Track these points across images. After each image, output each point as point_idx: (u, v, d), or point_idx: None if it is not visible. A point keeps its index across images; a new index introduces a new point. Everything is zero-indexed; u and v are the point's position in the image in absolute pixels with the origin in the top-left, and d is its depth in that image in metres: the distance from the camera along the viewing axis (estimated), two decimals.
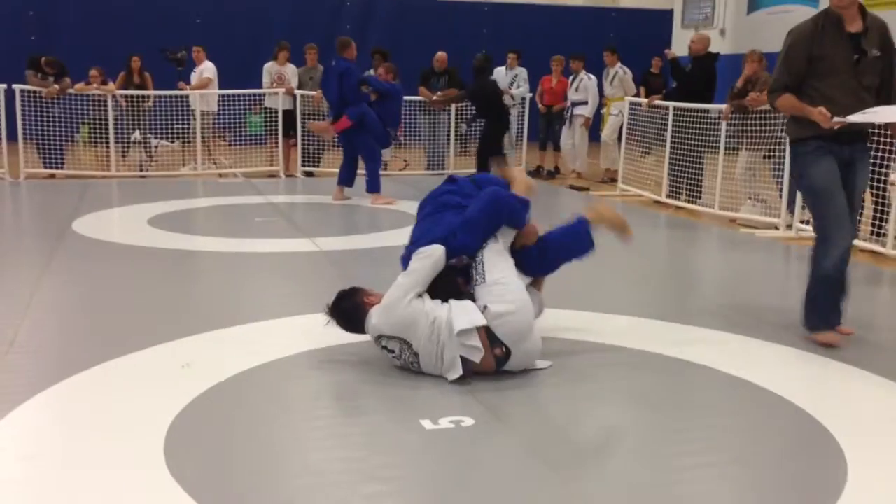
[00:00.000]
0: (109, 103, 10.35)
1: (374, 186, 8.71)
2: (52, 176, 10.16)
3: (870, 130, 4.18)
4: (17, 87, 9.93)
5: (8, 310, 4.50)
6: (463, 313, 3.42)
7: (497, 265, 3.65)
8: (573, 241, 4.02)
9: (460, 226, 3.71)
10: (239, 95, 11.06)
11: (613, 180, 10.30)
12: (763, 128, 7.61)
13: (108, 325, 4.32)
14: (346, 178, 8.85)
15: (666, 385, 3.61)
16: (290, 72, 10.99)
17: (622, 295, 5.23)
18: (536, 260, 3.98)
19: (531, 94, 11.52)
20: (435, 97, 10.78)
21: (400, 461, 2.84)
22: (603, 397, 3.45)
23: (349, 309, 3.66)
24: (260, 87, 11.05)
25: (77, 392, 3.35)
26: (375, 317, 3.54)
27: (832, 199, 3.94)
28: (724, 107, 8.06)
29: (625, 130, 9.95)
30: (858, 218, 4.27)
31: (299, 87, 10.88)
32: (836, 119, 3.80)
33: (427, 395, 3.36)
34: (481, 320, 3.40)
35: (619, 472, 2.79)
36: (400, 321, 3.46)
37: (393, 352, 3.52)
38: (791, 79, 3.99)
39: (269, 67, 11.03)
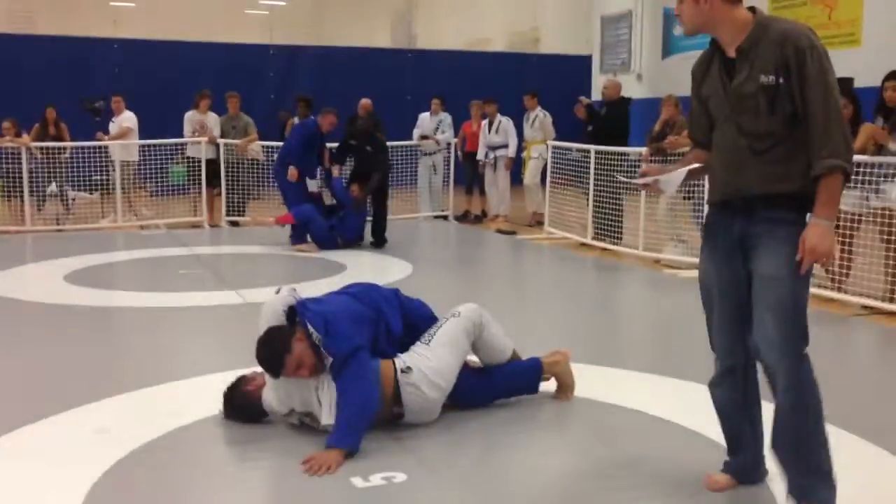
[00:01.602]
0: (24, 156, 10.04)
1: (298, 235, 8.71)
2: None
3: (785, 191, 2.59)
4: None
5: None
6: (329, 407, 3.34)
7: (449, 348, 3.58)
8: (522, 381, 3.84)
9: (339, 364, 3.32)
10: (160, 145, 10.86)
11: (540, 223, 10.43)
12: None
13: (20, 389, 4.12)
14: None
15: (596, 430, 3.61)
16: (213, 120, 10.86)
17: (549, 339, 5.23)
18: (475, 388, 3.73)
19: (455, 140, 11.63)
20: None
21: None
22: (533, 445, 3.43)
23: (241, 402, 3.55)
24: (181, 136, 10.88)
25: None
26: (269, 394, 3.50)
27: (707, 303, 2.82)
28: (643, 150, 8.25)
29: (549, 173, 10.09)
30: (767, 331, 2.62)
31: (222, 136, 10.75)
32: (640, 180, 2.86)
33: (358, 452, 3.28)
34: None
35: None
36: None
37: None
38: (693, 130, 2.92)
39: (191, 116, 10.88)
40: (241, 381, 3.61)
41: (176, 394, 4.00)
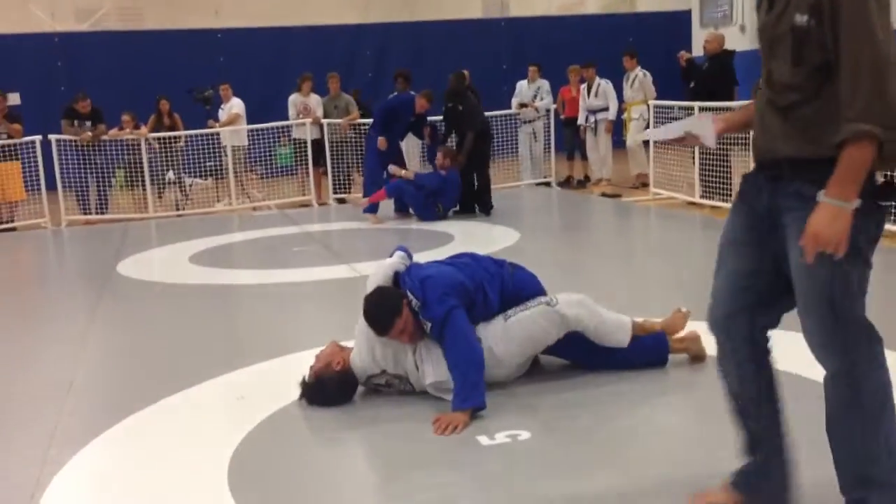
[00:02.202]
0: (143, 147, 10.56)
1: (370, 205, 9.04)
2: (89, 222, 10.37)
3: (815, 156, 2.08)
4: (52, 136, 10.17)
5: (63, 355, 4.61)
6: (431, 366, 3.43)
7: (521, 337, 3.54)
8: (650, 350, 3.75)
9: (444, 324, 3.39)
10: (267, 129, 11.22)
11: (645, 185, 10.29)
12: None
13: (160, 363, 4.40)
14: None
15: (713, 388, 3.58)
16: (315, 102, 11.14)
17: (660, 300, 5.20)
18: (593, 352, 3.68)
19: (554, 106, 11.56)
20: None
21: (457, 478, 2.87)
22: (660, 405, 3.45)
23: (334, 389, 3.56)
24: (286, 118, 11.20)
25: (138, 431, 3.42)
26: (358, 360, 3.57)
27: (718, 268, 2.43)
28: (748, 103, 8.02)
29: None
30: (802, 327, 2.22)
31: (325, 116, 11.02)
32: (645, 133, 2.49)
33: (480, 414, 3.38)
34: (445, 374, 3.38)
35: (684, 490, 2.74)
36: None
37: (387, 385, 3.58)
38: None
39: (294, 99, 11.19)
40: (325, 368, 3.57)
41: (304, 363, 4.19)
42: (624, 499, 2.65)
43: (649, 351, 3.74)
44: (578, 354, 3.69)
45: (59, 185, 10.18)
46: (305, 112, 11.04)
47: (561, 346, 3.63)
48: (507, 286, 3.70)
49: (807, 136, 2.08)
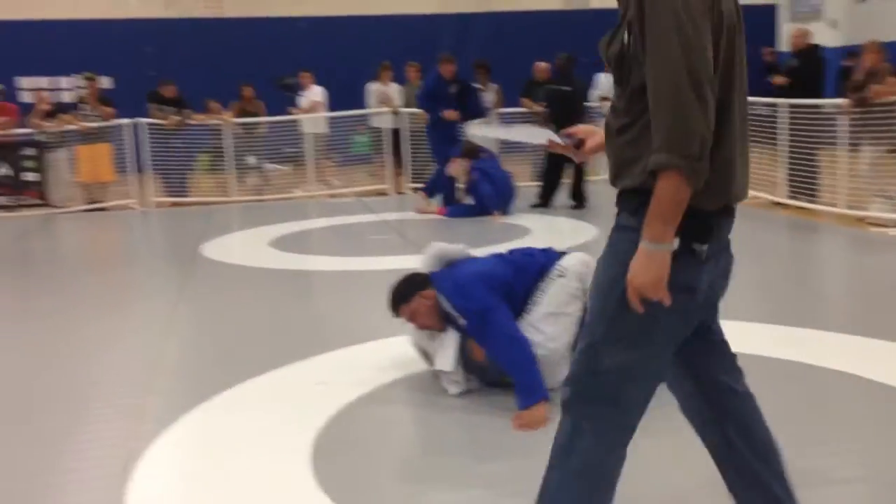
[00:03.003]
0: (226, 132, 10.79)
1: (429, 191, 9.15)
2: (175, 204, 10.66)
3: (628, 186, 1.86)
4: (142, 120, 10.48)
5: (150, 334, 4.76)
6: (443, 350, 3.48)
7: (552, 318, 3.45)
8: None
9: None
10: (347, 117, 11.35)
11: None
12: (887, 121, 7.30)
13: (242, 345, 4.50)
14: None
15: (805, 394, 3.51)
16: (395, 90, 11.21)
17: (748, 301, 5.09)
18: None
19: None
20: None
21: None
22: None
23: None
24: (364, 107, 11.30)
25: (222, 412, 3.51)
26: None
27: None
28: (842, 101, 7.77)
29: None
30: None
31: (405, 106, 11.08)
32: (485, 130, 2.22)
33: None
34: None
35: None
36: None
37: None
38: None
39: (374, 87, 11.27)
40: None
41: (383, 351, 4.24)
42: None
43: None
44: None
45: (147, 167, 10.48)
46: (385, 101, 11.11)
47: None
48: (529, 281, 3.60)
49: (630, 163, 1.82)
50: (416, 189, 11.10)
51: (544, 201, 9.17)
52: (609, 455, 1.93)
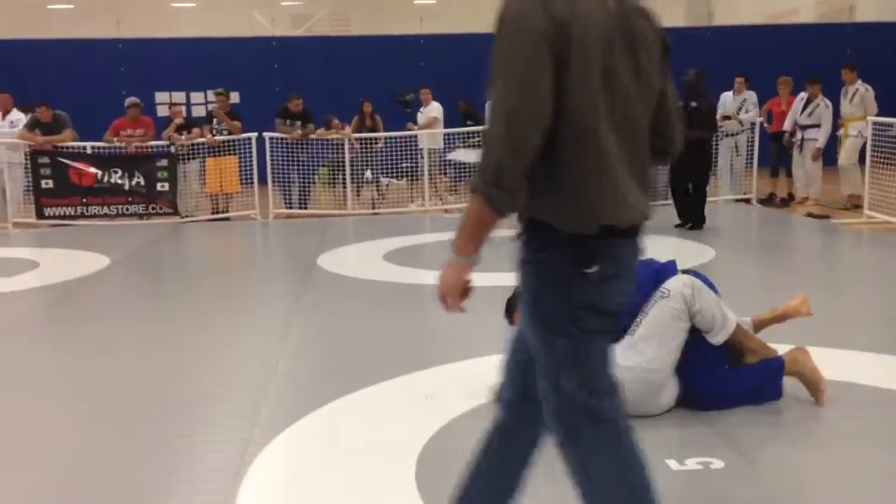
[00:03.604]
0: (346, 146, 11.07)
1: None
2: (291, 216, 10.99)
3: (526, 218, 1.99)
4: (266, 134, 10.88)
5: (266, 340, 4.91)
6: None
7: (655, 340, 3.36)
8: (761, 384, 3.52)
9: None
10: (463, 133, 11.44)
11: (857, 207, 9.59)
12: None
13: (354, 356, 4.59)
14: None
15: None
16: None
17: (875, 332, 4.84)
18: (704, 393, 3.49)
19: (760, 119, 11.03)
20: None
21: None
22: (864, 441, 3.20)
23: None
24: (483, 124, 11.35)
25: (332, 421, 3.58)
26: None
27: None
28: None
29: (869, 153, 9.24)
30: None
31: None
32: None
33: (671, 434, 3.28)
34: None
35: None
36: None
37: None
38: None
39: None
40: None
41: (486, 366, 4.22)
42: None
43: (761, 374, 3.50)
44: (695, 383, 3.48)
45: (270, 179, 10.87)
46: None
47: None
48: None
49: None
50: None
51: (685, 221, 8.94)
52: (621, 464, 1.98)
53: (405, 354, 4.50)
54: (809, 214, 9.71)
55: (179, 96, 14.43)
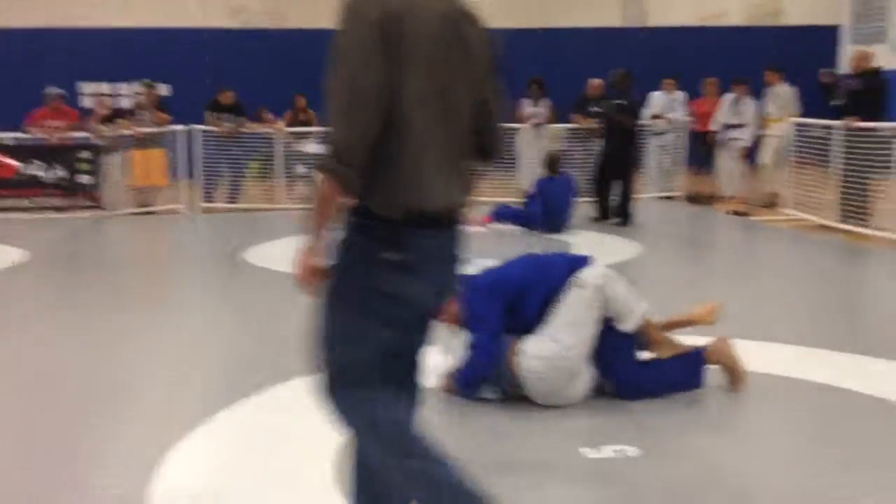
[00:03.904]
0: (277, 140, 10.94)
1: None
2: (222, 210, 10.82)
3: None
4: (196, 127, 10.68)
5: (189, 334, 4.83)
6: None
7: (570, 329, 3.44)
8: (679, 376, 3.62)
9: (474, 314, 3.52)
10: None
11: (776, 205, 9.87)
12: None
13: (277, 349, 4.53)
14: None
15: (839, 418, 3.42)
16: None
17: (792, 325, 4.99)
18: (630, 384, 3.58)
19: (688, 119, 11.27)
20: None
21: (561, 489, 2.83)
22: (778, 429, 3.30)
23: None
24: None
25: (254, 412, 3.53)
26: None
27: None
28: None
29: (788, 153, 9.51)
30: None
31: None
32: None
33: (586, 422, 3.33)
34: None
35: None
36: None
37: None
38: None
39: None
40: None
41: None
42: None
43: (683, 364, 3.60)
44: (610, 373, 3.58)
45: (198, 173, 10.67)
46: None
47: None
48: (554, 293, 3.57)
49: None
50: None
51: (603, 215, 9.13)
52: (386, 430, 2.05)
53: None
54: (732, 212, 9.96)
55: (106, 87, 14.07)
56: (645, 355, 3.64)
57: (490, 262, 3.87)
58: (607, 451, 3.05)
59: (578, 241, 8.01)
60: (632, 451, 3.05)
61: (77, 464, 3.06)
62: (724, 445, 3.17)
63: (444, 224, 2.02)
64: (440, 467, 2.01)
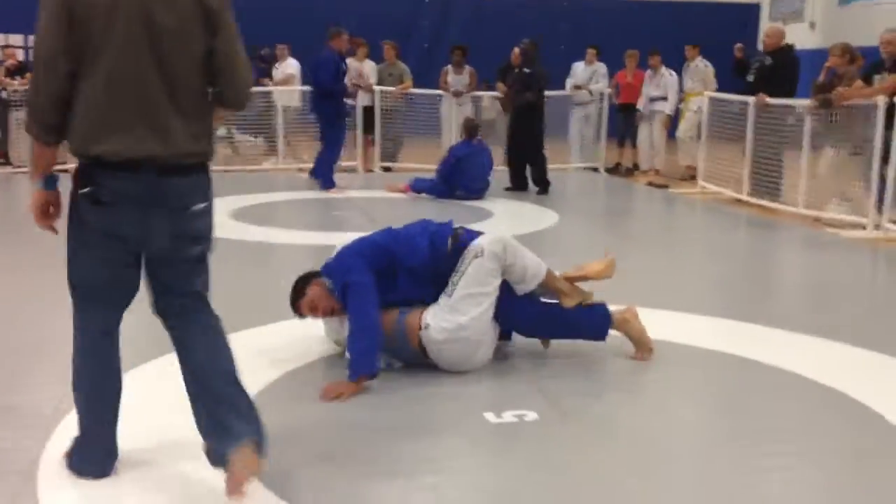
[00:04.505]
0: None
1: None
2: None
3: None
4: None
5: None
6: None
7: (473, 299, 3.45)
8: (587, 324, 3.69)
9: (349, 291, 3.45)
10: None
11: (693, 178, 10.12)
12: (850, 124, 7.37)
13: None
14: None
15: (736, 385, 3.56)
16: (370, 68, 11.14)
17: (700, 295, 5.14)
18: (533, 320, 3.68)
19: (609, 90, 11.41)
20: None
21: (464, 453, 2.88)
22: (672, 394, 3.41)
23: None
24: None
25: (153, 376, 3.48)
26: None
27: None
28: (807, 102, 7.83)
29: (704, 126, 9.75)
30: None
31: (378, 83, 11.02)
32: None
33: (489, 388, 3.38)
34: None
35: (691, 474, 2.75)
36: None
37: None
38: None
39: (350, 63, 11.18)
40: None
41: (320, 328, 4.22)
42: (625, 486, 2.63)
43: (592, 315, 3.68)
44: (514, 325, 3.69)
45: None
46: (359, 78, 11.04)
47: (504, 315, 3.59)
48: (439, 259, 3.58)
49: None
50: (385, 167, 11.08)
51: (516, 184, 9.24)
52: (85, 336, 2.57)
53: (242, 311, 4.40)
54: (650, 184, 10.18)
55: (16, 39, 13.47)
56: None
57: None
58: (509, 416, 3.10)
59: (496, 208, 8.08)
60: (531, 415, 3.11)
61: None
62: (624, 413, 3.26)
63: (144, 169, 2.31)
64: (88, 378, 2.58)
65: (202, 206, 2.44)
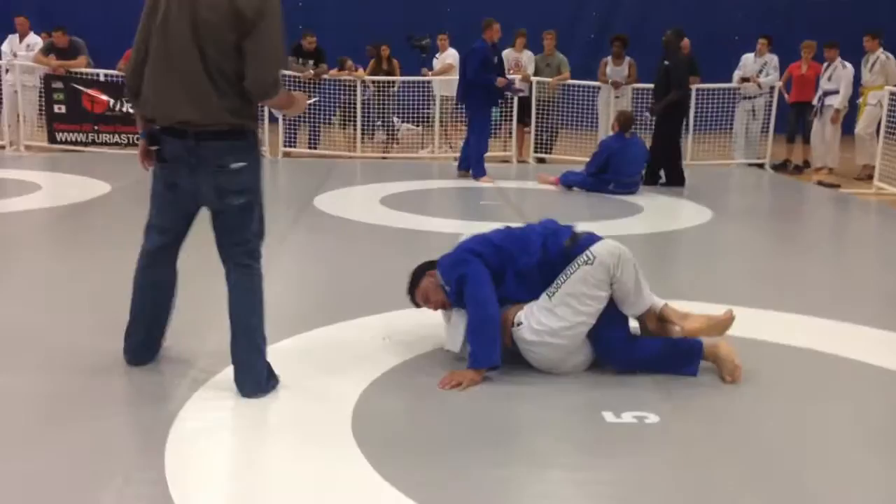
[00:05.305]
0: (359, 88, 11.01)
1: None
2: (302, 155, 10.99)
3: None
4: (283, 72, 10.81)
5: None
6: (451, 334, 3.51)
7: (571, 308, 3.29)
8: (675, 358, 3.42)
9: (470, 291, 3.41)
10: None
11: (870, 177, 9.42)
12: None
13: (329, 295, 4.63)
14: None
15: (878, 399, 3.28)
16: (527, 58, 11.08)
17: (871, 306, 4.74)
18: (616, 350, 3.44)
19: (780, 83, 10.81)
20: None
21: (581, 452, 2.82)
22: (819, 412, 3.19)
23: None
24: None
25: (285, 356, 3.61)
26: None
27: None
28: None
29: (884, 123, 9.04)
30: None
31: (535, 74, 10.94)
32: None
33: (609, 388, 3.29)
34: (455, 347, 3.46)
35: (812, 490, 2.58)
36: None
37: None
38: None
39: (507, 54, 11.16)
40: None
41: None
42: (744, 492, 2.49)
43: (681, 348, 3.42)
44: (598, 350, 3.44)
45: (280, 118, 10.85)
46: (516, 68, 11.01)
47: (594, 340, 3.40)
48: (549, 262, 3.44)
49: None
50: (539, 159, 11.01)
51: (654, 179, 9.00)
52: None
53: (379, 296, 4.49)
54: (819, 182, 9.56)
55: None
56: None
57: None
58: (628, 417, 3.01)
59: (647, 203, 7.84)
60: (652, 417, 3.01)
61: (83, 405, 3.19)
62: (748, 416, 3.08)
63: (188, 135, 2.94)
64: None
65: (240, 164, 2.99)
